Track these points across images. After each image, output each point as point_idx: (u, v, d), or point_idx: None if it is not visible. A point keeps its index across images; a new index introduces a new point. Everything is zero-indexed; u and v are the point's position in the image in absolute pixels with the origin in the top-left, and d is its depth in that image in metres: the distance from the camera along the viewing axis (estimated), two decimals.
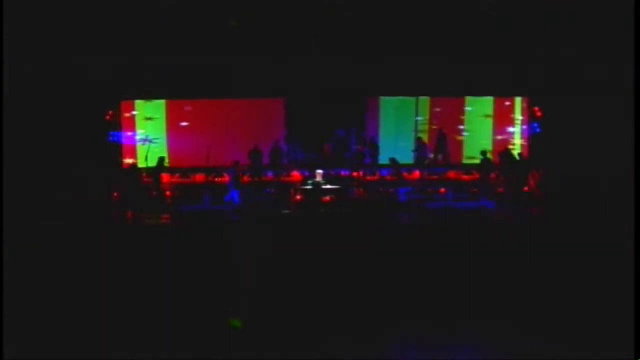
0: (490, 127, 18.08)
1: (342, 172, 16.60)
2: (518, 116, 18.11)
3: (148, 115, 17.66)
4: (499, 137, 17.99)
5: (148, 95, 17.26)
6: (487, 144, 17.64)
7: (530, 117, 17.51)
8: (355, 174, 16.59)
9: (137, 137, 17.56)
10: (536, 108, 17.04)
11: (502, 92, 17.63)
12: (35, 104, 13.78)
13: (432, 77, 16.18)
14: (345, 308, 7.68)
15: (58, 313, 7.51)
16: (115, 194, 15.33)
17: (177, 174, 17.18)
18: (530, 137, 17.57)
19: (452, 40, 15.24)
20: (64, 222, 11.65)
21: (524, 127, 17.86)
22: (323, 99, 16.54)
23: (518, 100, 18.01)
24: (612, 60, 13.32)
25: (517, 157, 16.47)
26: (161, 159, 16.04)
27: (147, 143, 17.31)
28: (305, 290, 8.25)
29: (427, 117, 17.96)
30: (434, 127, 17.76)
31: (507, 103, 18.13)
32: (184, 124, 17.64)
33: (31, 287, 8.16)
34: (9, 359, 6.25)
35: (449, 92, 17.15)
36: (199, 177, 16.99)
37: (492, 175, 16.41)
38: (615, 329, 6.65)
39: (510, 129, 18.09)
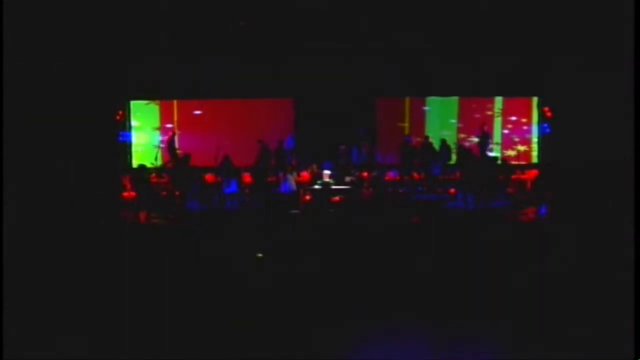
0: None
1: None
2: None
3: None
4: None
5: (157, 96, 17.41)
6: None
7: (540, 118, 17.49)
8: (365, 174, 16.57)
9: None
10: (546, 108, 16.98)
11: (509, 92, 17.61)
12: (44, 104, 13.88)
13: (434, 77, 16.20)
14: (348, 308, 7.68)
15: (63, 313, 7.57)
16: (124, 194, 15.45)
17: None
18: (541, 138, 17.57)
19: (455, 40, 15.25)
20: (72, 222, 11.75)
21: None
22: (333, 100, 16.60)
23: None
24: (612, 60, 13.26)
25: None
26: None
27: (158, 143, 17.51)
28: (310, 290, 8.26)
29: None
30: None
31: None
32: (194, 124, 17.79)
33: (36, 287, 8.23)
34: (9, 359, 6.33)
35: (454, 92, 17.19)
36: (209, 177, 17.04)
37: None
38: (615, 329, 6.62)
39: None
